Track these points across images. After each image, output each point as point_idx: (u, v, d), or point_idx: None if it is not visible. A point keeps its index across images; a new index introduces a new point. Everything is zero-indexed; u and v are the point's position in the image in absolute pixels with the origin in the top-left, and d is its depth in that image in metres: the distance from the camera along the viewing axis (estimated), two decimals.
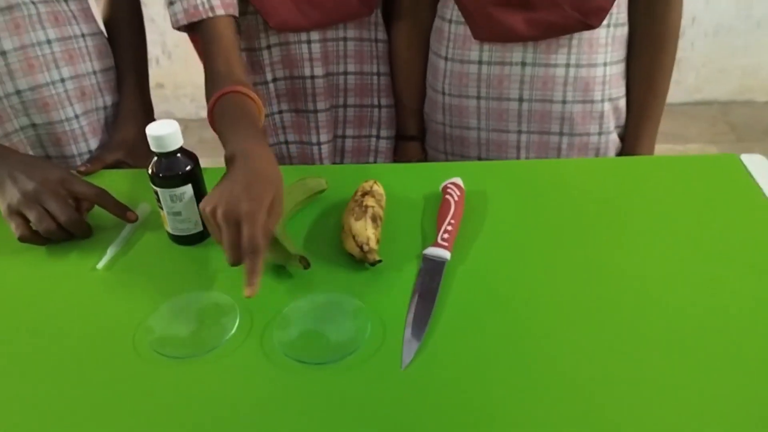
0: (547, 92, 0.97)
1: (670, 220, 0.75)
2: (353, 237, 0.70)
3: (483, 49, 0.96)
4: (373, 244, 0.70)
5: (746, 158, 0.85)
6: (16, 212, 0.74)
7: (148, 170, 0.72)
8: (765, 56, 2.75)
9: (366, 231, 0.70)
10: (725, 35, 2.70)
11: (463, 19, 0.96)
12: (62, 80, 0.92)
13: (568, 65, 0.95)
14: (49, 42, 0.90)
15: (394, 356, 0.59)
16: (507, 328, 0.62)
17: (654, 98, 1.01)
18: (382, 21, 1.06)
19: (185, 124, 1.00)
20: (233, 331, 0.63)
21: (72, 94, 0.94)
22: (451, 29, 0.98)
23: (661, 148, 2.76)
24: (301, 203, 0.80)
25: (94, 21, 0.99)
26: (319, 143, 1.10)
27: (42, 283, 0.71)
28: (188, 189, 0.72)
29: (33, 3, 0.88)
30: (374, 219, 0.72)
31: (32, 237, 0.75)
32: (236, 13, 0.88)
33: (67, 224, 0.74)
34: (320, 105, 1.06)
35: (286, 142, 1.12)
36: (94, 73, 0.97)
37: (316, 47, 1.01)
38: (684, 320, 0.62)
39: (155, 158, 0.71)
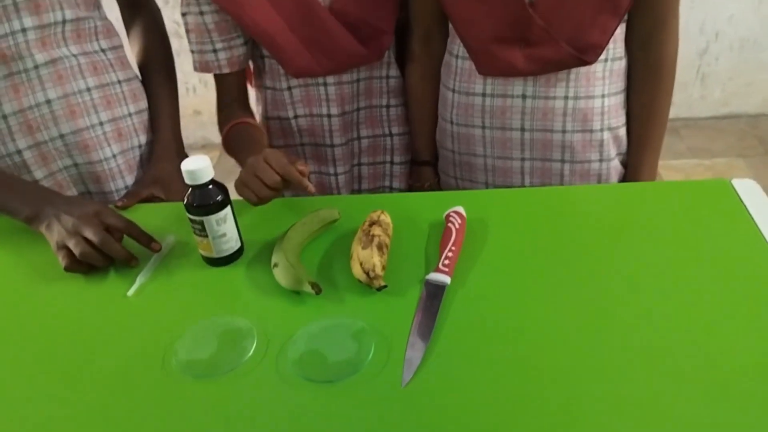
0: (547, 123, 1.02)
1: (663, 245, 0.79)
2: (360, 264, 0.76)
3: (486, 82, 1.02)
4: (378, 270, 0.75)
5: (737, 183, 0.88)
6: (62, 246, 0.82)
7: (184, 201, 0.79)
8: None
9: (372, 258, 0.76)
10: (750, 49, 2.69)
11: (468, 55, 1.02)
12: (101, 123, 1.01)
13: (566, 97, 1.00)
14: (89, 90, 0.99)
15: (396, 374, 0.65)
16: (503, 350, 0.67)
17: (653, 127, 1.05)
18: (393, 60, 1.13)
19: (221, 149, 1.09)
20: (251, 352, 0.69)
21: (110, 135, 1.03)
22: (458, 64, 1.04)
23: (688, 163, 2.75)
24: (315, 233, 0.86)
25: (129, 67, 1.08)
26: (336, 174, 1.18)
27: (78, 310, 0.79)
28: (228, 211, 0.81)
29: (74, 55, 0.98)
30: (380, 247, 0.78)
31: (75, 265, 0.83)
32: (243, 66, 1.10)
33: (101, 245, 0.82)
34: (336, 140, 1.14)
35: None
36: (130, 115, 1.06)
37: (331, 89, 1.10)
38: (684, 346, 0.66)
39: (190, 190, 0.79)
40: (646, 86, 1.02)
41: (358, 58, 1.06)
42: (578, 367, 0.64)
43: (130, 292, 0.80)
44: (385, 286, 0.75)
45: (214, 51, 1.05)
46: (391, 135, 1.19)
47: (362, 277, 0.76)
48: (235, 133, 1.09)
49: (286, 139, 1.17)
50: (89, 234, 0.82)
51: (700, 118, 2.86)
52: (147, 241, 0.86)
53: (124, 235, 0.86)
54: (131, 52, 1.13)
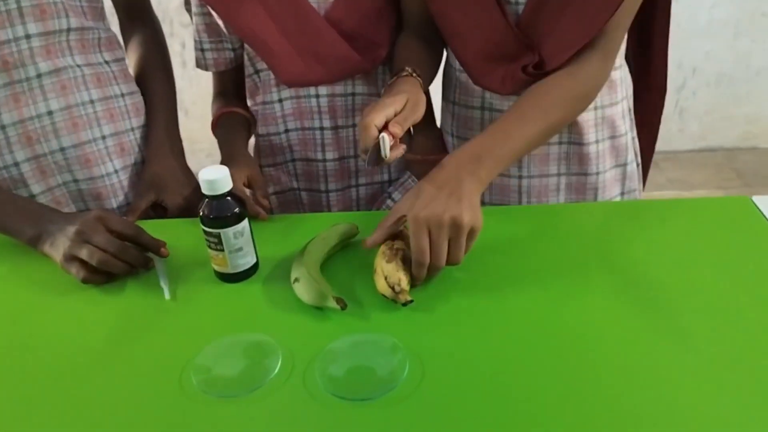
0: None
1: (688, 263, 0.78)
2: (385, 278, 0.73)
3: (485, 95, 1.01)
4: (404, 285, 0.73)
5: (758, 200, 0.88)
6: (70, 258, 0.78)
7: (200, 213, 0.76)
8: (766, 103, 2.82)
9: (397, 273, 0.73)
10: (727, 85, 2.78)
11: None
12: (103, 137, 0.98)
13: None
14: (92, 102, 0.96)
15: (435, 391, 0.62)
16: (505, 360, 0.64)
17: (515, 115, 0.87)
18: (390, 78, 1.11)
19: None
20: (276, 370, 0.65)
21: (112, 150, 0.99)
22: (457, 76, 1.04)
23: (668, 194, 2.80)
24: (335, 248, 0.83)
25: (132, 80, 1.05)
26: (327, 191, 1.14)
27: (84, 326, 0.74)
28: (246, 223, 0.77)
29: (78, 66, 0.94)
30: (404, 261, 0.75)
31: (92, 276, 0.79)
32: (230, 66, 1.09)
33: (116, 253, 0.78)
34: (329, 155, 1.11)
35: (299, 189, 1.16)
36: (132, 129, 1.02)
37: (324, 101, 1.07)
38: (715, 366, 0.64)
39: (206, 201, 0.75)
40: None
41: (352, 65, 1.04)
42: (590, 393, 0.61)
43: (168, 296, 0.77)
44: (411, 301, 0.72)
45: (202, 50, 1.07)
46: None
47: (387, 292, 0.73)
48: (221, 123, 1.11)
49: (275, 156, 1.13)
50: (100, 241, 0.78)
51: (679, 151, 2.92)
52: (155, 246, 0.83)
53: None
54: (129, 62, 1.10)
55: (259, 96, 1.10)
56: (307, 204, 1.16)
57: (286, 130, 1.10)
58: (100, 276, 0.80)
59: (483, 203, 1.09)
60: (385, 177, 1.18)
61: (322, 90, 1.06)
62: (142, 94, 1.07)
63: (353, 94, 1.08)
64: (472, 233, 0.74)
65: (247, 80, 1.11)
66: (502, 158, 0.81)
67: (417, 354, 0.66)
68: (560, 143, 1.01)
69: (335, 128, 1.09)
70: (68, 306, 0.78)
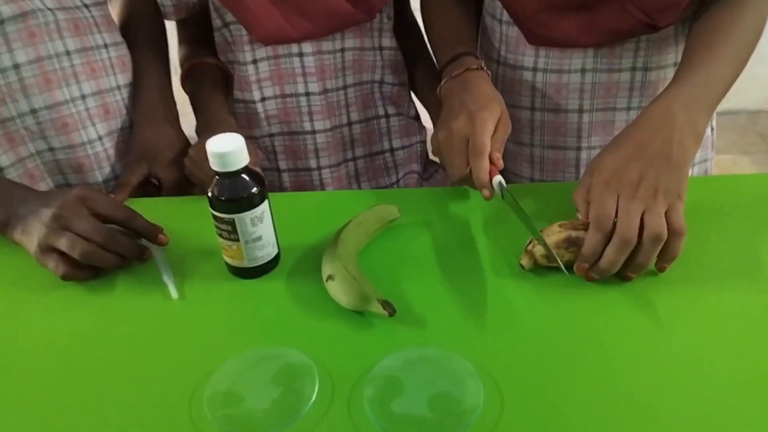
0: (609, 100, 0.85)
1: (715, 241, 0.65)
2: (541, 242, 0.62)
3: (539, 54, 0.85)
4: (539, 248, 0.62)
5: None
6: (47, 249, 0.63)
7: (208, 194, 0.60)
8: None
9: (552, 235, 0.62)
10: None
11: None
12: (83, 97, 0.81)
13: (634, 69, 0.83)
14: (68, 53, 0.79)
15: (518, 425, 0.48)
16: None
17: (709, 49, 0.69)
18: (388, 26, 0.94)
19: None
20: (313, 397, 0.51)
21: (94, 112, 0.82)
22: (502, 30, 0.87)
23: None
24: (372, 235, 0.68)
25: (116, 29, 0.88)
26: (319, 168, 0.96)
27: (74, 332, 0.59)
28: (266, 207, 0.62)
29: (50, 9, 0.77)
30: (573, 241, 0.62)
31: (75, 271, 0.64)
32: (193, 12, 0.91)
33: (105, 243, 0.63)
34: (318, 125, 0.93)
35: (278, 170, 0.98)
36: (119, 88, 0.86)
37: (309, 61, 0.88)
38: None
39: (216, 179, 0.60)
40: (720, 9, 0.73)
41: (342, 17, 0.85)
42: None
43: (174, 294, 0.63)
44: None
45: None
46: (387, 116, 0.98)
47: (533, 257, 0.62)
48: (193, 79, 0.93)
49: (250, 129, 0.95)
50: (83, 228, 0.63)
51: None
52: (153, 233, 0.68)
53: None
54: (113, 7, 0.93)
55: (230, 53, 0.92)
56: (291, 188, 0.99)
57: (263, 98, 0.92)
58: (84, 271, 0.64)
59: (532, 180, 0.95)
60: (385, 145, 1.01)
61: (307, 47, 0.88)
62: (129, 47, 0.89)
63: (343, 50, 0.90)
64: (674, 209, 0.59)
65: (215, 35, 0.92)
66: (711, 108, 0.66)
67: (491, 376, 0.52)
68: (629, 109, 0.85)
69: (324, 92, 0.91)
70: (45, 308, 0.63)
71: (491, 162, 0.67)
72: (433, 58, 0.90)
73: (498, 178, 0.66)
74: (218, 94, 0.90)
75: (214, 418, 0.49)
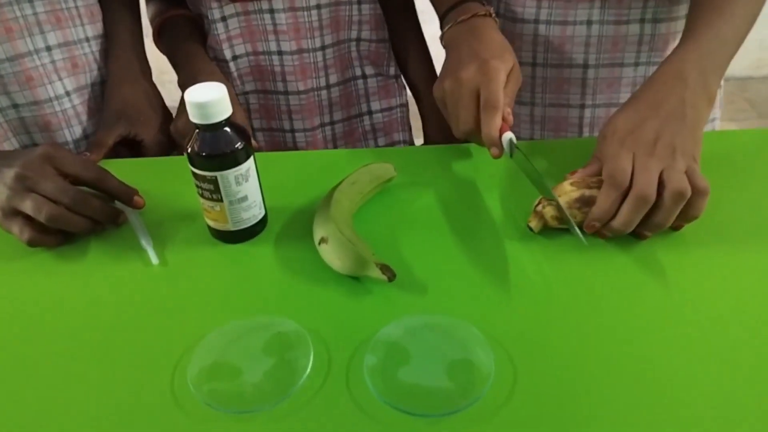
0: (617, 54, 0.81)
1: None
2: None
3: (541, 4, 0.79)
4: (550, 210, 0.58)
5: None
6: (10, 213, 0.57)
7: (187, 150, 0.55)
8: None
9: (564, 194, 0.58)
10: None
11: None
12: (48, 48, 0.74)
13: (643, 20, 0.78)
14: (30, 1, 0.72)
15: (534, 402, 0.44)
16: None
17: (717, 12, 0.65)
18: None
19: (173, 112, 0.82)
20: (308, 370, 0.46)
21: (61, 65, 0.75)
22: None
23: None
24: (367, 195, 0.63)
25: None
26: (292, 130, 0.91)
27: (42, 301, 0.54)
28: (252, 163, 0.57)
29: None
30: (586, 201, 0.57)
31: (42, 237, 0.59)
32: None
33: (74, 205, 0.58)
34: (291, 87, 0.87)
35: (252, 128, 0.93)
36: (87, 40, 0.79)
37: (281, 17, 0.82)
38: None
39: (196, 133, 0.54)
40: None
41: None
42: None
43: (155, 260, 0.58)
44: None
45: None
46: (364, 76, 0.93)
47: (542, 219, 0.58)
48: (167, 32, 0.87)
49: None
50: (50, 190, 0.57)
51: None
52: (128, 195, 0.63)
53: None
54: None
55: (200, 11, 0.86)
56: (265, 149, 0.93)
57: (234, 56, 0.86)
58: (51, 236, 0.59)
59: (532, 138, 0.90)
60: (363, 108, 0.95)
61: (278, 3, 0.82)
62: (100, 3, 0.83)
63: (318, 6, 0.84)
64: (692, 170, 0.55)
65: None
66: (723, 67, 0.63)
67: (501, 343, 0.48)
68: (636, 64, 0.81)
69: (299, 51, 0.85)
70: (10, 277, 0.57)
71: (502, 118, 0.62)
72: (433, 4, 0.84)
73: (509, 135, 0.61)
74: (198, 46, 0.84)
75: (199, 393, 0.45)
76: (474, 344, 0.48)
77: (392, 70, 0.96)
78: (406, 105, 0.99)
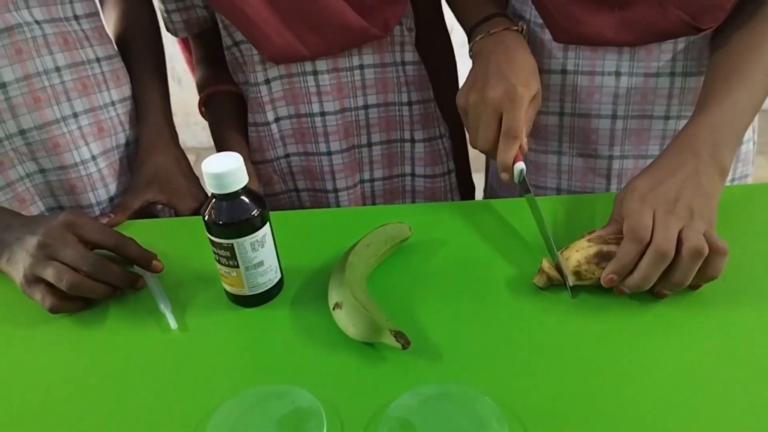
0: (646, 107, 0.80)
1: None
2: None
3: (568, 55, 0.80)
4: (569, 264, 0.58)
5: None
6: (33, 280, 0.59)
7: (204, 217, 0.56)
8: None
9: (579, 251, 0.58)
10: None
11: (541, 21, 0.80)
12: (75, 115, 0.77)
13: (672, 74, 0.78)
14: (57, 70, 0.75)
15: None
16: None
17: (736, 78, 0.65)
18: (410, 39, 0.88)
19: (197, 153, 0.86)
20: None
21: (87, 131, 0.78)
22: (531, 29, 0.82)
23: None
24: (382, 257, 0.64)
25: (110, 41, 0.84)
26: (335, 190, 0.91)
27: (62, 367, 0.54)
28: (268, 230, 0.58)
29: (37, 23, 0.73)
30: (603, 255, 0.57)
31: (63, 303, 0.60)
32: (205, 27, 0.89)
33: (94, 272, 0.59)
34: (334, 146, 0.88)
35: (296, 190, 0.94)
36: (113, 104, 0.82)
37: (325, 79, 0.84)
38: None
39: (212, 202, 0.55)
40: (753, 15, 0.70)
41: (356, 33, 0.80)
42: None
43: (174, 324, 0.58)
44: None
45: (167, 12, 0.86)
46: (413, 141, 0.93)
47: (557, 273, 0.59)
48: (211, 106, 0.93)
49: (263, 152, 0.91)
50: (70, 257, 0.58)
51: None
52: (146, 260, 0.64)
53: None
54: (106, 18, 0.89)
55: (242, 75, 0.88)
56: (311, 206, 0.95)
57: (277, 119, 0.88)
58: (72, 303, 0.60)
59: (559, 191, 0.90)
60: (407, 169, 0.95)
61: (321, 65, 0.83)
62: (124, 60, 0.86)
63: (362, 67, 0.85)
64: (710, 233, 0.55)
65: (226, 54, 0.88)
66: (738, 138, 0.63)
67: (515, 413, 0.47)
68: (666, 118, 0.80)
69: (342, 111, 0.87)
70: (32, 343, 0.58)
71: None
72: (459, 20, 0.85)
73: (521, 165, 0.64)
74: (234, 133, 0.89)
75: None
76: (489, 416, 0.47)
77: (442, 130, 0.95)
78: (451, 171, 0.98)
